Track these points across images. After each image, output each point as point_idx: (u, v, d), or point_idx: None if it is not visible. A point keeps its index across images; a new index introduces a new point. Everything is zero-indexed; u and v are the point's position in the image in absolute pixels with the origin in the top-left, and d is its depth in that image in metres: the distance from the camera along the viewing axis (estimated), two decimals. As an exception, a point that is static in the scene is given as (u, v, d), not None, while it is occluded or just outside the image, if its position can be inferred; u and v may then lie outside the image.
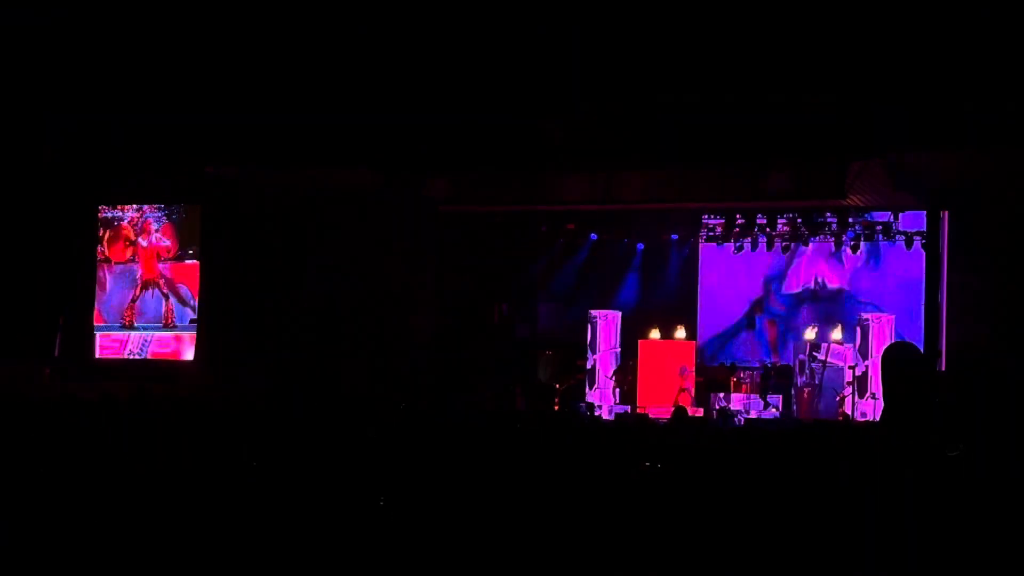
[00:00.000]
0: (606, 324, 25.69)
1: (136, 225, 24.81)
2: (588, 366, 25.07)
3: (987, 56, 17.30)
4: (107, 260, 24.98)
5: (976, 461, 5.95)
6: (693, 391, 24.23)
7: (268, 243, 23.39)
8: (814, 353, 24.05)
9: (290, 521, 7.69)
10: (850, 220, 23.11)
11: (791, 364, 24.66)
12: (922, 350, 20.17)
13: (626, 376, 24.53)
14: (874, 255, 25.14)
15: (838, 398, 22.92)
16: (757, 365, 25.17)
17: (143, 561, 7.50)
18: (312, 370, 22.11)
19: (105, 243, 24.98)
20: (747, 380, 24.31)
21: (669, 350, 25.17)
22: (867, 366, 22.68)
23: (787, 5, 17.83)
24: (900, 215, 23.18)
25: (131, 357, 24.58)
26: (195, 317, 23.98)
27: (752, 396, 23.74)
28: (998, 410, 6.35)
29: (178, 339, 24.51)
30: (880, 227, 23.55)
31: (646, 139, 19.24)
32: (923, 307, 22.04)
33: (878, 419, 19.37)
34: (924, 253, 22.17)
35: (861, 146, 18.48)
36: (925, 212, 21.98)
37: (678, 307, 26.42)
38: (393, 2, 19.71)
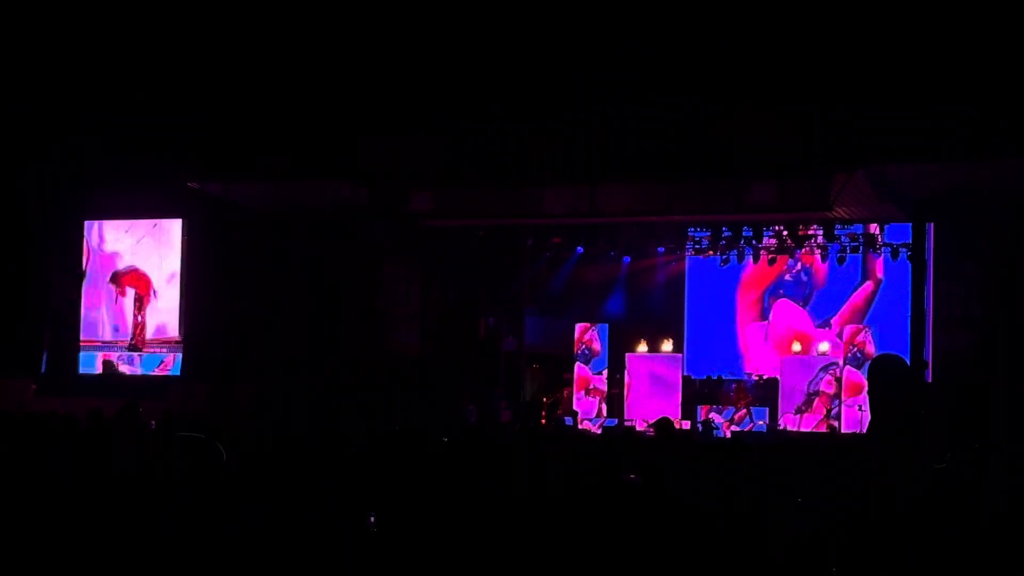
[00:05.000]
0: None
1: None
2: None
3: (970, 67, 17.34)
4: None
5: (962, 472, 5.95)
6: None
7: (253, 258, 23.30)
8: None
9: (279, 539, 7.66)
10: (836, 232, 23.11)
11: (777, 377, 24.70)
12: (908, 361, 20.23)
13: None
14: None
15: (825, 410, 22.97)
16: (744, 378, 25.19)
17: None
18: (299, 386, 22.02)
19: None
20: (733, 393, 24.33)
21: (656, 363, 25.22)
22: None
23: (771, 18, 17.84)
24: (886, 226, 23.20)
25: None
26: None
27: (739, 409, 23.77)
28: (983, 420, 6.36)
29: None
30: (864, 239, 23.58)
31: (630, 152, 19.23)
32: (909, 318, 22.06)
33: (865, 431, 19.39)
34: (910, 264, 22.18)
35: (845, 158, 18.48)
36: (911, 224, 21.99)
37: (665, 320, 26.45)
38: (377, 17, 19.68)
